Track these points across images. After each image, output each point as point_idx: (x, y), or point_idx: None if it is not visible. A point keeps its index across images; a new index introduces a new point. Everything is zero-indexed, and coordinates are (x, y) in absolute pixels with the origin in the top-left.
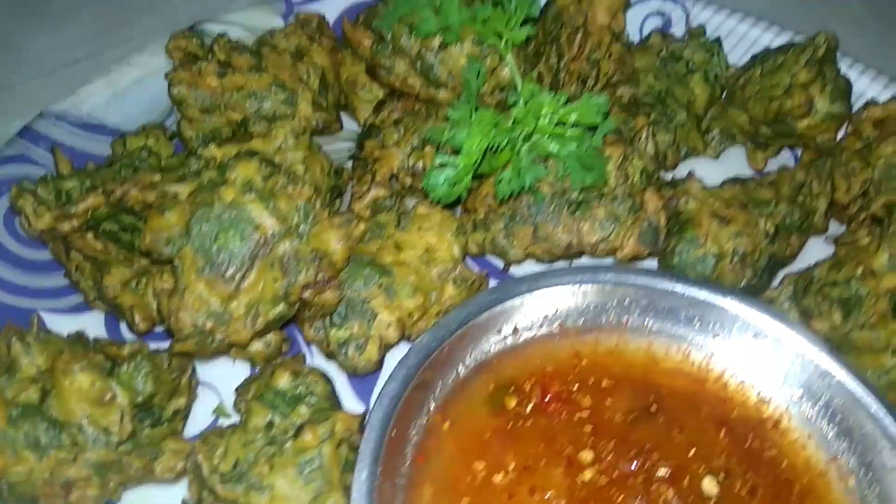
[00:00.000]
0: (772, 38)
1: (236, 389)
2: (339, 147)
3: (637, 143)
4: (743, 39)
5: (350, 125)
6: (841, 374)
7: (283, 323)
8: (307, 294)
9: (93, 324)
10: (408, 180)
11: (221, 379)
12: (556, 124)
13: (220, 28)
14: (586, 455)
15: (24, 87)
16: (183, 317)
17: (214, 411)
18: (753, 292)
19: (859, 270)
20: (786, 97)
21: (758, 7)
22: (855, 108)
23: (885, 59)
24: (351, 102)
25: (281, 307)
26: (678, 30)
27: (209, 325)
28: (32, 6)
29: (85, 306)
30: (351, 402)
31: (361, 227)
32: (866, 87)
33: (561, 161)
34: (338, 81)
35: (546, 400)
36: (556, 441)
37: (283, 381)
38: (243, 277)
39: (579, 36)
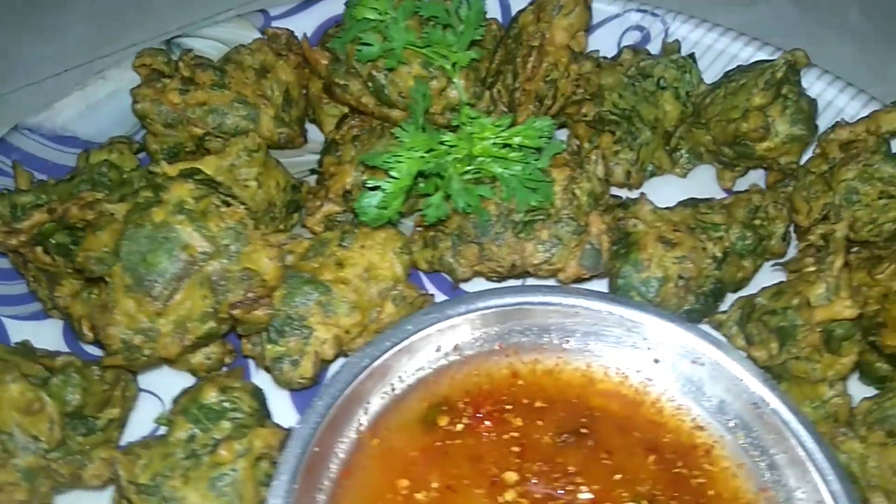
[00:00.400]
0: (752, 53)
1: (173, 400)
2: (309, 159)
3: (587, 165)
4: (722, 55)
5: (320, 138)
6: (775, 403)
7: (214, 339)
8: (236, 312)
9: (52, 331)
10: None
11: (166, 388)
12: (502, 146)
13: (196, 42)
14: (510, 476)
15: (14, 96)
16: (111, 332)
17: (156, 420)
18: (698, 317)
19: (796, 300)
20: (742, 120)
21: (753, 22)
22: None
23: (883, 71)
24: (318, 117)
25: (210, 324)
26: (657, 45)
27: (137, 340)
28: (25, 16)
29: (44, 314)
30: (290, 416)
31: (304, 244)
32: (845, 104)
33: (505, 183)
34: (305, 96)
35: (477, 419)
36: (482, 461)
37: (210, 395)
38: (171, 296)
39: (533, 57)
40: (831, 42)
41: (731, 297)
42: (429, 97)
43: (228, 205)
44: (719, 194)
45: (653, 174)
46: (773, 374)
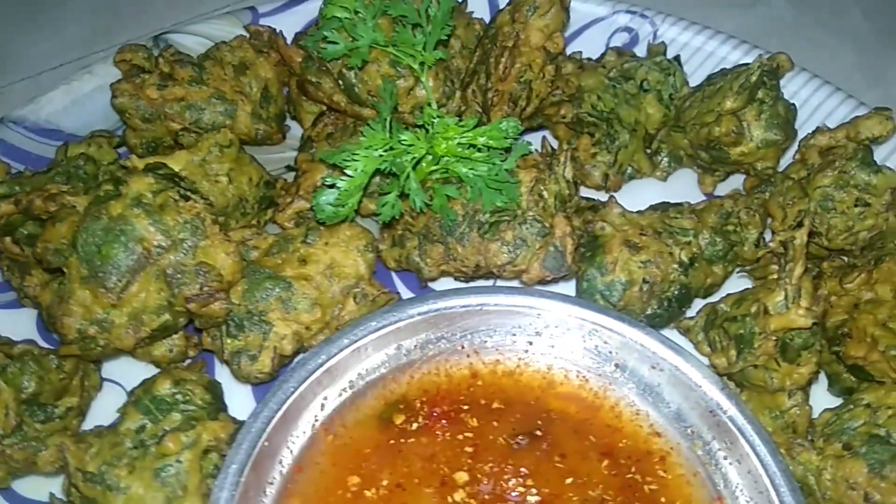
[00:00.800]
0: (741, 56)
1: (130, 391)
2: (290, 155)
3: (555, 167)
4: (710, 57)
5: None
6: (732, 411)
7: (171, 332)
8: (192, 306)
9: (27, 321)
10: None
11: (130, 377)
12: (468, 147)
13: (185, 39)
14: (461, 476)
15: (10, 90)
16: (67, 322)
17: (119, 410)
18: (662, 322)
19: (755, 307)
20: (715, 124)
21: (752, 24)
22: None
23: (882, 74)
24: (298, 113)
25: (165, 317)
26: (645, 47)
27: (92, 331)
28: (22, 12)
29: (19, 303)
30: (248, 405)
31: (268, 240)
32: (833, 108)
33: (470, 183)
34: (287, 94)
35: (433, 418)
36: (434, 460)
37: (163, 387)
38: (125, 287)
39: (505, 58)
40: (830, 45)
41: (700, 303)
42: (395, 96)
43: (187, 199)
44: (700, 198)
45: (632, 177)
46: (735, 382)
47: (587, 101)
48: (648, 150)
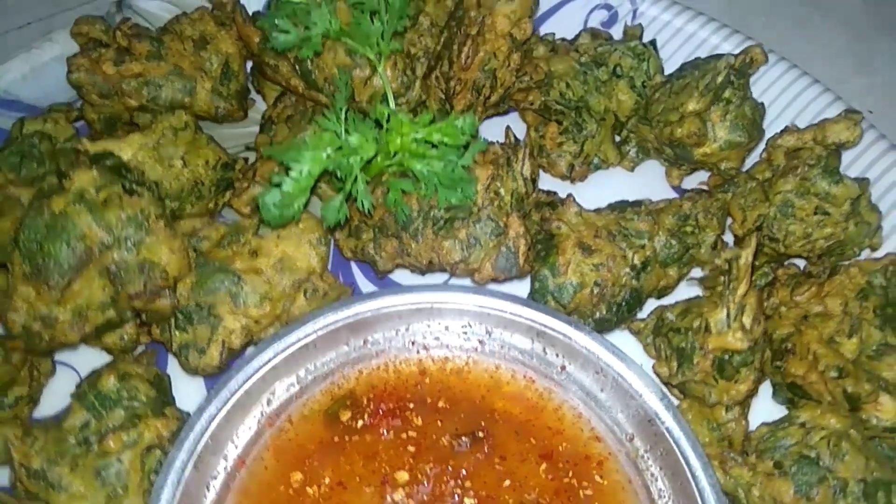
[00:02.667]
0: (721, 39)
1: (78, 383)
2: (253, 130)
3: (514, 164)
4: (691, 39)
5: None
6: (669, 422)
7: (116, 326)
8: (136, 303)
9: None
10: None
11: (84, 361)
12: (424, 143)
13: (147, 3)
14: (402, 476)
15: None
16: (11, 317)
17: (72, 395)
18: (611, 326)
19: (697, 322)
20: (678, 125)
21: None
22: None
23: (869, 61)
24: (261, 88)
25: (110, 313)
26: (623, 26)
27: (36, 326)
28: None
29: None
30: (198, 396)
31: (220, 231)
32: (811, 99)
33: (424, 180)
34: (249, 68)
35: (378, 416)
36: (376, 459)
37: (108, 383)
38: (68, 285)
39: (467, 47)
40: (818, 25)
41: (654, 303)
42: (350, 86)
43: (132, 194)
44: (667, 190)
45: (598, 167)
46: (679, 390)
47: (556, 87)
48: (618, 139)
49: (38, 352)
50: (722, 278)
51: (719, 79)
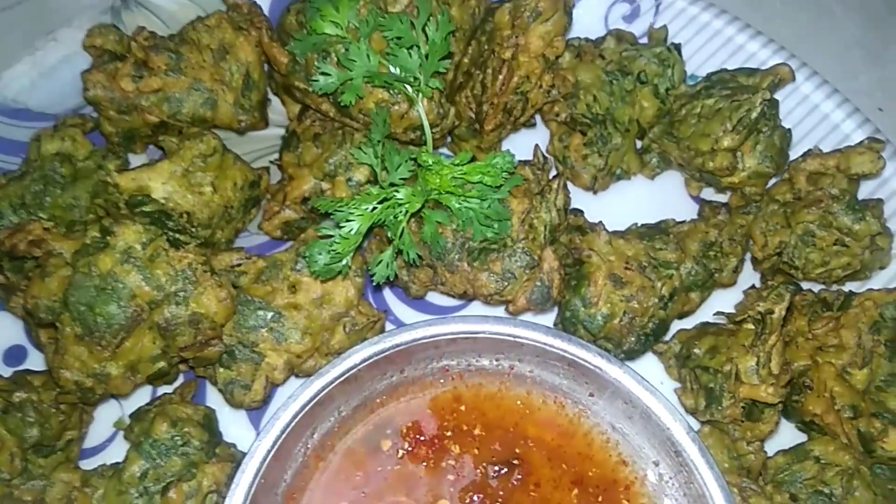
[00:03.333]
0: (745, 41)
1: (130, 415)
2: (274, 133)
3: (547, 195)
4: (716, 36)
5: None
6: (696, 457)
7: (166, 375)
8: (187, 353)
9: (14, 324)
10: None
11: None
12: (462, 182)
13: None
14: None
15: None
16: (63, 374)
17: (115, 424)
18: (638, 355)
19: (728, 366)
20: (709, 157)
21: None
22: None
23: (883, 53)
24: (282, 95)
25: (161, 364)
26: (647, 20)
27: (89, 382)
28: None
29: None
30: (245, 428)
31: (258, 265)
32: (840, 120)
33: (461, 217)
34: (269, 76)
35: (418, 445)
36: (419, 488)
37: (161, 429)
38: (120, 343)
39: (503, 73)
40: (835, 14)
41: (675, 324)
42: (388, 125)
43: (178, 247)
44: (686, 199)
45: (620, 178)
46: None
47: (582, 100)
48: (639, 148)
49: (91, 403)
50: (748, 315)
51: (754, 115)
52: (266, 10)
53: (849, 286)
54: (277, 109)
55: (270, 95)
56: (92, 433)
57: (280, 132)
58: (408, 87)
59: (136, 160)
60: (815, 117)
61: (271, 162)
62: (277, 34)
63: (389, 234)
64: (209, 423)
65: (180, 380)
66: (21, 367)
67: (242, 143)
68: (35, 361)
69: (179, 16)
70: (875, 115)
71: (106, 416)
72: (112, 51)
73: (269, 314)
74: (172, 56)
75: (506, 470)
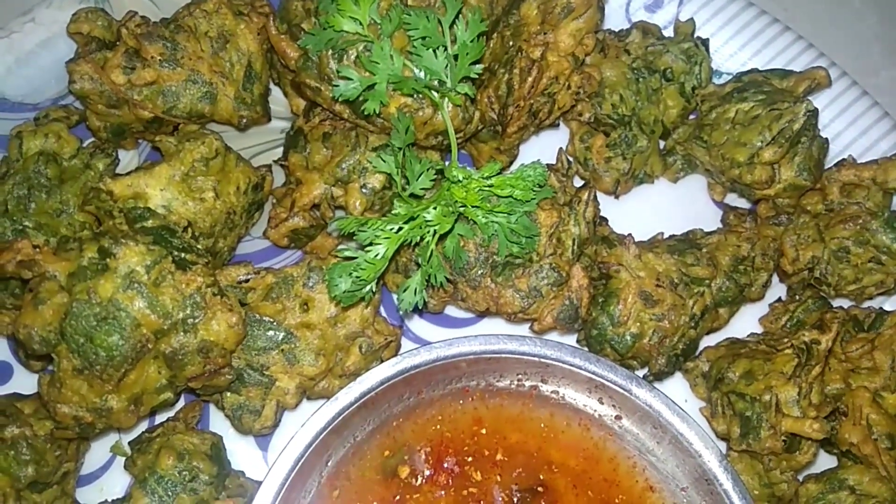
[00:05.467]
0: (773, 35)
1: (130, 443)
2: (276, 126)
3: (576, 206)
4: (744, 29)
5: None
6: (728, 486)
7: (171, 405)
8: (194, 383)
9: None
10: (329, 213)
11: None
12: (489, 195)
13: None
14: None
15: None
16: (61, 410)
17: (112, 449)
18: (666, 376)
19: (767, 396)
20: (747, 169)
21: None
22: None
23: None
24: (284, 86)
25: (166, 395)
26: (669, 11)
27: (88, 417)
28: None
29: None
30: (253, 452)
31: (267, 281)
32: (869, 125)
33: (486, 232)
34: (269, 63)
35: (437, 472)
36: None
37: (167, 463)
38: (123, 376)
39: (532, 76)
40: (855, 6)
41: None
42: (412, 133)
43: (185, 268)
44: (708, 203)
45: (642, 181)
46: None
47: (608, 99)
48: (662, 150)
49: (90, 437)
50: (787, 351)
51: (796, 126)
52: None
53: (878, 301)
54: (279, 100)
55: (271, 85)
56: (87, 458)
57: (282, 125)
58: (433, 92)
59: (124, 156)
60: (844, 121)
61: (275, 161)
62: (279, 19)
63: (418, 258)
64: (217, 452)
65: (181, 400)
66: (7, 387)
67: (242, 137)
68: (22, 380)
69: None
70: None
71: (102, 440)
72: (100, 38)
73: (281, 334)
74: (167, 45)
75: (530, 498)
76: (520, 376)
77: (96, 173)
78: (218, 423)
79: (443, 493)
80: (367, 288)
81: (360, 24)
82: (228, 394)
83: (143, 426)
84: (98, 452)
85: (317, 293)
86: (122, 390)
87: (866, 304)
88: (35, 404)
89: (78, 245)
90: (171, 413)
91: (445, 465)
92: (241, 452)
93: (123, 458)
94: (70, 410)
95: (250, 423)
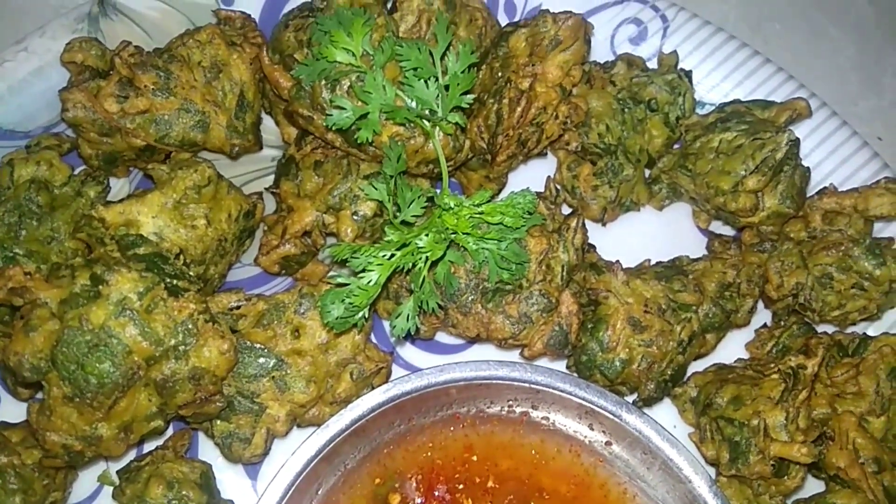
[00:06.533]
0: (755, 67)
1: (119, 472)
2: (267, 154)
3: (565, 234)
4: (726, 61)
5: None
6: None
7: (161, 433)
8: (185, 410)
9: None
10: (320, 241)
11: None
12: (477, 219)
13: (134, 3)
14: None
15: None
16: (50, 438)
17: (99, 479)
18: (655, 402)
19: (755, 421)
20: (731, 197)
21: (753, 6)
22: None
23: (880, 77)
24: (275, 115)
25: (156, 423)
26: (654, 43)
27: (78, 446)
28: None
29: None
30: (240, 478)
31: (258, 308)
32: (850, 154)
33: (476, 258)
34: (261, 93)
35: (430, 499)
36: None
37: (157, 492)
38: (114, 404)
39: (521, 106)
40: (833, 36)
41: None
42: (403, 161)
43: (177, 295)
44: (694, 231)
45: (628, 209)
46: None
47: (594, 129)
48: (648, 179)
49: (78, 466)
50: (774, 376)
51: (779, 155)
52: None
53: (861, 326)
54: (270, 129)
55: (262, 114)
56: (75, 488)
57: (273, 154)
58: (424, 121)
59: (116, 184)
60: (825, 150)
61: (267, 189)
62: (271, 50)
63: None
64: (207, 481)
65: (170, 428)
66: None
67: (233, 165)
68: (9, 409)
69: (162, 24)
70: (874, 143)
71: (89, 469)
72: (93, 67)
73: (272, 361)
74: (161, 74)
75: None
76: (510, 402)
77: (87, 201)
78: (207, 451)
79: None
80: (360, 314)
81: (353, 55)
82: (218, 421)
83: (132, 455)
84: (86, 482)
85: (308, 320)
86: (112, 418)
87: (850, 330)
88: (23, 433)
89: (70, 272)
90: (160, 441)
91: (436, 492)
92: (231, 481)
93: (111, 488)
94: (59, 438)
95: (240, 451)
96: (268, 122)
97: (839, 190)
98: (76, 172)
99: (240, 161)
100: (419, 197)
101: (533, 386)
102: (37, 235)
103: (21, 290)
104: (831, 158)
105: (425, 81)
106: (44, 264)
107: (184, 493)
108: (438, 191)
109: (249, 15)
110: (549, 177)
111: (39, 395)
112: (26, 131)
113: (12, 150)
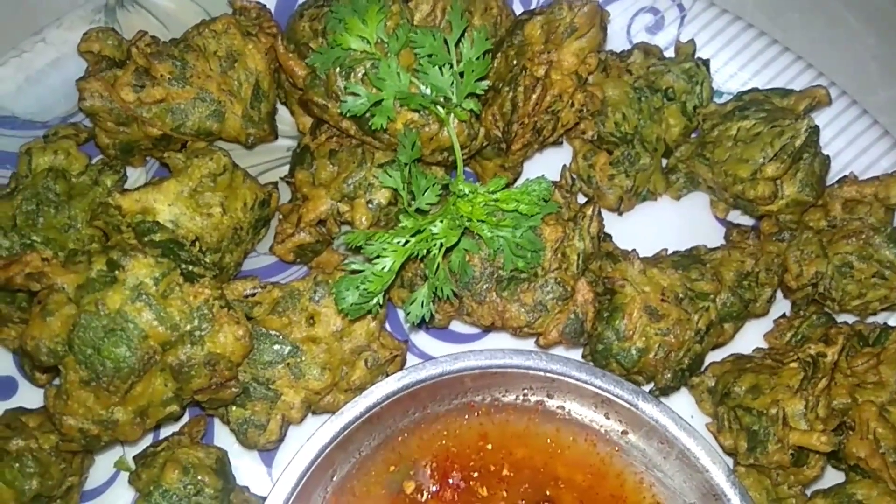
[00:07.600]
0: (773, 56)
1: (135, 458)
2: (282, 144)
3: (581, 221)
4: (744, 51)
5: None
6: (735, 499)
7: (176, 418)
8: (200, 395)
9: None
10: (335, 229)
11: None
12: (493, 207)
13: None
14: None
15: None
16: (67, 422)
17: (116, 464)
18: (672, 391)
19: (774, 410)
20: (750, 185)
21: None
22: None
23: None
24: (290, 105)
25: (172, 408)
26: (671, 32)
27: (94, 430)
28: None
29: None
30: (255, 464)
31: (273, 295)
32: (869, 143)
33: (491, 246)
34: (276, 82)
35: (443, 487)
36: None
37: (172, 477)
38: (130, 388)
39: (537, 93)
40: (852, 25)
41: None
42: (418, 149)
43: (192, 280)
44: (711, 220)
45: (645, 198)
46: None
47: (611, 118)
48: (665, 168)
49: (95, 451)
50: (793, 364)
51: (798, 142)
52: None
53: (882, 316)
54: (285, 119)
55: (278, 104)
56: (91, 474)
57: (288, 144)
58: (439, 107)
59: (133, 173)
60: (844, 139)
61: (282, 178)
62: (286, 39)
63: (424, 270)
64: (222, 467)
65: (186, 414)
66: (11, 402)
67: (249, 155)
68: (27, 395)
69: (179, 15)
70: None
71: (106, 455)
72: (110, 57)
73: (287, 348)
74: (177, 64)
75: None
76: (525, 391)
77: (104, 189)
78: (223, 437)
79: None
80: (374, 300)
81: (368, 42)
82: (234, 408)
83: (148, 440)
84: (102, 468)
85: (323, 307)
86: (128, 402)
87: (870, 320)
88: (40, 418)
89: (87, 257)
90: (175, 427)
91: (451, 480)
92: (246, 468)
93: (127, 474)
94: (76, 423)
95: (255, 437)
96: (283, 112)
97: (859, 179)
98: (93, 162)
99: (255, 151)
100: (434, 185)
101: (548, 374)
102: (54, 223)
103: (38, 276)
104: (851, 147)
105: (440, 68)
106: (61, 251)
107: (199, 478)
108: (453, 178)
109: (265, 5)
110: (564, 165)
111: (57, 382)
112: (44, 121)
113: (30, 139)
